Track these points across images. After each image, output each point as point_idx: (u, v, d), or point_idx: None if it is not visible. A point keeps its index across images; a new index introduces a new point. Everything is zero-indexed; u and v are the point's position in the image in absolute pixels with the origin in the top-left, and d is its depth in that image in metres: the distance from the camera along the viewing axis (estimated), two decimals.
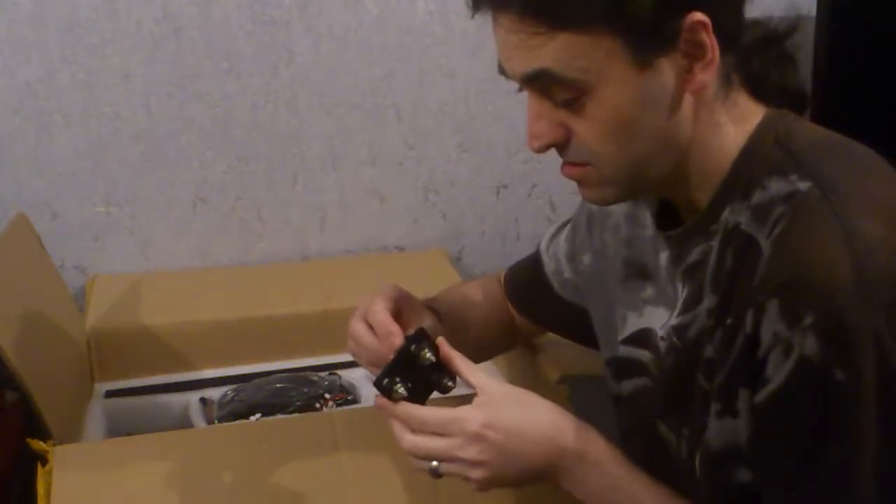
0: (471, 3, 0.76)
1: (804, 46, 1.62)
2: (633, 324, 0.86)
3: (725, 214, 0.74)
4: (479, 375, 0.77)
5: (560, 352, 1.18)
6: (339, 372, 1.33)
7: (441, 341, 0.78)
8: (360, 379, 1.32)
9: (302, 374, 1.31)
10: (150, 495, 0.88)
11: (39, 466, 0.90)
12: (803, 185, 0.69)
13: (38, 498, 0.87)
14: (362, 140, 1.63)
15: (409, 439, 0.75)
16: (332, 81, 1.59)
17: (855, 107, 1.50)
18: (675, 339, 0.80)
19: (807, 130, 0.75)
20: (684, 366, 0.78)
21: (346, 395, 1.26)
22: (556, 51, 0.69)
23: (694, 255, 0.77)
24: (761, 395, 0.69)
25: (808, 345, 0.65)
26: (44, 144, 1.49)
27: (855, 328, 0.64)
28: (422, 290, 1.45)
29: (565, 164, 0.76)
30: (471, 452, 0.73)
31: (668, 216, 0.82)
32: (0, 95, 1.46)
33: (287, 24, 1.54)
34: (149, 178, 1.55)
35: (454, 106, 1.64)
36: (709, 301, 0.75)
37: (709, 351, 0.75)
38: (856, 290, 0.64)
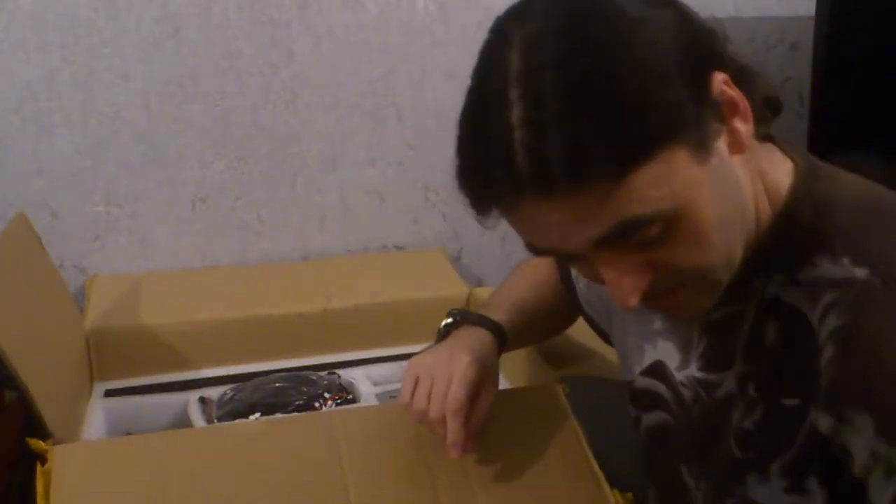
0: (478, 202, 0.66)
1: (804, 46, 1.62)
2: (649, 356, 0.85)
3: (758, 283, 0.71)
4: None
5: (560, 352, 1.18)
6: (339, 371, 1.33)
7: None
8: (360, 378, 1.32)
9: (302, 373, 1.31)
10: (149, 495, 0.88)
11: (39, 466, 0.90)
12: (860, 273, 0.65)
13: (38, 497, 0.87)
14: (362, 140, 1.63)
15: None
16: (332, 81, 1.59)
17: (855, 106, 1.50)
18: (701, 392, 0.78)
19: (842, 189, 0.71)
20: (712, 424, 0.76)
21: (345, 395, 1.26)
22: (630, 192, 0.60)
23: (717, 314, 0.75)
24: None
25: None
26: (44, 144, 1.49)
27: None
28: (422, 290, 1.46)
29: (650, 297, 0.67)
30: None
31: None
32: (0, 95, 1.46)
33: (287, 24, 1.54)
34: (149, 178, 1.55)
35: (454, 106, 1.63)
36: (740, 367, 0.73)
37: (746, 422, 0.73)
38: None
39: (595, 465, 0.94)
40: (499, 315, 0.96)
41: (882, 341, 0.63)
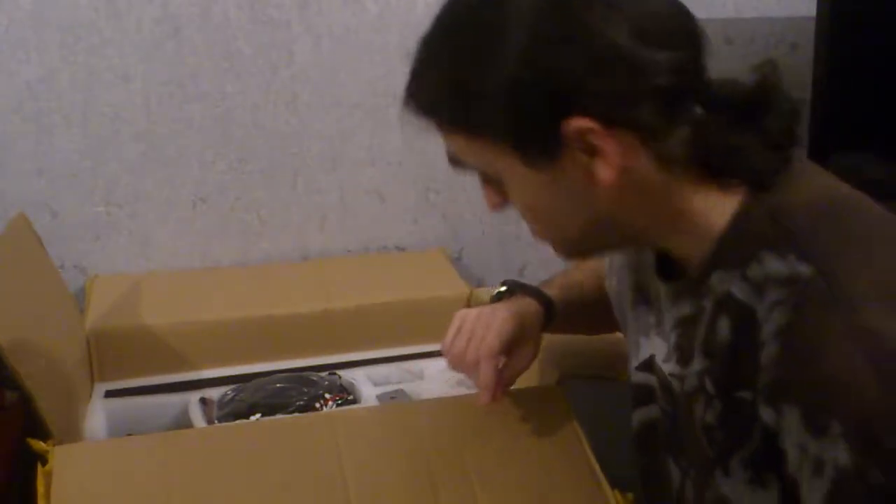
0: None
1: (804, 46, 1.62)
2: (644, 350, 0.86)
3: (714, 280, 0.72)
4: None
5: (560, 352, 1.18)
6: (339, 372, 1.33)
7: None
8: (360, 379, 1.32)
9: (302, 374, 1.31)
10: (150, 495, 0.88)
11: (39, 466, 0.90)
12: (804, 270, 0.66)
13: (38, 498, 0.87)
14: (362, 140, 1.63)
15: None
16: (332, 81, 1.59)
17: (855, 106, 1.50)
18: (680, 386, 0.79)
19: (802, 192, 0.71)
20: (685, 417, 0.78)
21: (346, 395, 1.26)
22: (456, 144, 0.74)
23: (686, 308, 0.76)
24: None
25: (841, 456, 0.61)
26: (44, 144, 1.49)
27: (883, 433, 0.61)
28: (422, 291, 1.46)
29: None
30: None
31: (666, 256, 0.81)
32: (0, 95, 1.46)
33: (287, 24, 1.54)
34: (149, 178, 1.55)
35: None
36: (699, 364, 0.74)
37: (708, 416, 0.74)
38: (880, 398, 0.61)
39: (596, 466, 0.94)
40: (552, 291, 1.00)
41: (817, 339, 0.64)
